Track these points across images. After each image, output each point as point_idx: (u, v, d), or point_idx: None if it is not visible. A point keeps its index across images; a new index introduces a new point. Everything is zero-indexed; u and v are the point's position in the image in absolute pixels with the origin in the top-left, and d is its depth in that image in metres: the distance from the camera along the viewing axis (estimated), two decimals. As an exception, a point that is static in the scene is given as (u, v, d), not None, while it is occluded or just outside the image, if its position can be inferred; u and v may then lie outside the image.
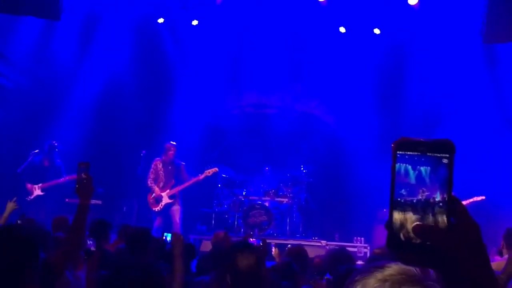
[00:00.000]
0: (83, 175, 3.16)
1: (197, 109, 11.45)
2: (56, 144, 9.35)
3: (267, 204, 10.11)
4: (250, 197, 10.32)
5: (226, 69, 11.51)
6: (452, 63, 10.29)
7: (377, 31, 10.84)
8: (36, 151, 9.22)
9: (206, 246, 8.72)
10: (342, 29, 10.95)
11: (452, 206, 0.85)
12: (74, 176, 3.39)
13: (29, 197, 9.06)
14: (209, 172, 9.44)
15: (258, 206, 9.92)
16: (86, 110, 10.63)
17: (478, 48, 9.78)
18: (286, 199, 10.31)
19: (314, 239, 9.83)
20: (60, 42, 10.53)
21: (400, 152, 0.87)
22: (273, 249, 6.24)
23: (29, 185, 9.13)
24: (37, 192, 9.13)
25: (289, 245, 8.51)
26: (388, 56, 10.81)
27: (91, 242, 5.06)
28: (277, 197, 10.34)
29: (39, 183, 9.16)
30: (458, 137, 9.81)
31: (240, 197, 10.28)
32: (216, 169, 9.52)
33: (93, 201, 9.15)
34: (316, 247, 9.11)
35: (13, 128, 9.75)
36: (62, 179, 9.07)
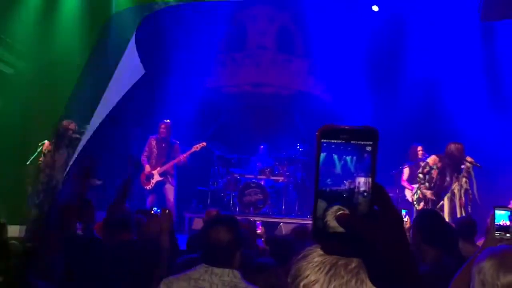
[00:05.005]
0: None
1: (193, 87, 11.34)
2: None
3: (262, 182, 10.07)
4: (246, 176, 10.29)
5: (223, 46, 11.38)
6: (450, 41, 10.24)
7: (375, 8, 10.75)
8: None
9: (198, 224, 8.72)
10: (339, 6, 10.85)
11: (375, 194, 0.83)
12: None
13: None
14: (197, 147, 9.37)
15: (253, 185, 9.87)
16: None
17: (476, 25, 9.74)
18: (282, 178, 10.26)
19: (310, 217, 9.79)
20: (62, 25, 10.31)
21: (325, 141, 0.86)
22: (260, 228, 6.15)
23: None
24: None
25: (281, 224, 8.56)
26: (385, 34, 10.71)
27: (79, 225, 4.93)
28: (273, 176, 10.30)
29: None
30: (454, 112, 9.81)
31: (235, 175, 10.25)
32: (204, 143, 9.42)
33: (96, 181, 9.17)
34: (312, 226, 9.08)
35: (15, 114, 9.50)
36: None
